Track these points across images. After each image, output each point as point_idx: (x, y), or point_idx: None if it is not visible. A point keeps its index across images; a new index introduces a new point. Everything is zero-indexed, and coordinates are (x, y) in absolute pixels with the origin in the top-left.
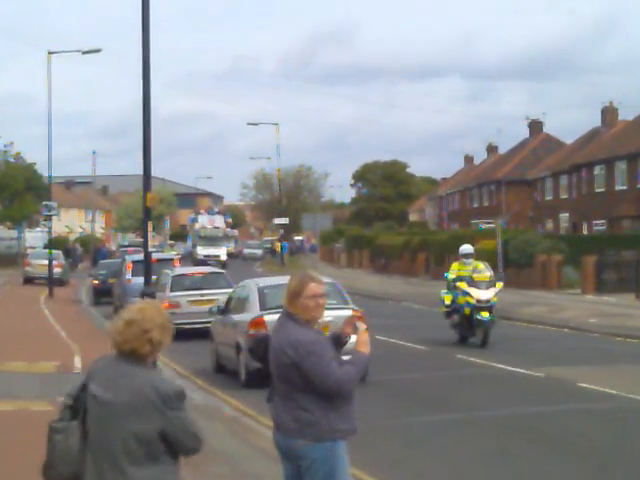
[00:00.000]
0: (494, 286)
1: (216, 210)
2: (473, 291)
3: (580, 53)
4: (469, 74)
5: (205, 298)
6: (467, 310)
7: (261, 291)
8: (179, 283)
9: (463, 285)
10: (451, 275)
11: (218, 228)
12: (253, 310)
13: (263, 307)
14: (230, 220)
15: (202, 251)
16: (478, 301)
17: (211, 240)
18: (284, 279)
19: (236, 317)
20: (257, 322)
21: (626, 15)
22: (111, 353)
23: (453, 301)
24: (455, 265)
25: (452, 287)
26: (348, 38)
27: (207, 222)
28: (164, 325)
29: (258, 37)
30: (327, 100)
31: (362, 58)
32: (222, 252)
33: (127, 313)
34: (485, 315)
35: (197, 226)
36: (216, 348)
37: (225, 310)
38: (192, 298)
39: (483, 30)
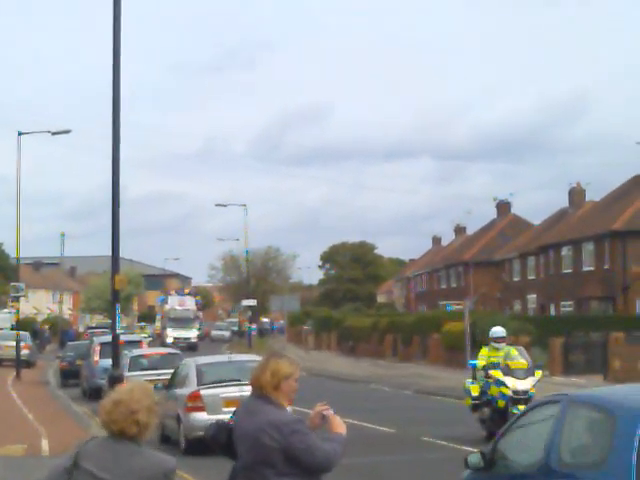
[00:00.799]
0: (533, 375)
1: (186, 292)
2: (509, 380)
3: (549, 134)
4: (439, 155)
5: (161, 378)
6: (501, 402)
7: (199, 368)
8: (137, 363)
9: (497, 373)
10: (480, 362)
11: (188, 310)
12: (191, 385)
13: (200, 382)
14: (199, 303)
15: (172, 333)
16: (515, 392)
17: (181, 322)
18: (220, 357)
19: (178, 392)
20: (194, 396)
21: (595, 96)
22: (101, 435)
23: (483, 392)
24: (485, 351)
25: (482, 376)
26: (319, 120)
27: (177, 303)
28: (150, 407)
29: (228, 119)
30: (297, 181)
31: (333, 139)
32: (193, 334)
33: (116, 393)
34: (522, 408)
35: (167, 307)
36: (162, 421)
37: (169, 386)
38: (148, 378)
39: (453, 111)
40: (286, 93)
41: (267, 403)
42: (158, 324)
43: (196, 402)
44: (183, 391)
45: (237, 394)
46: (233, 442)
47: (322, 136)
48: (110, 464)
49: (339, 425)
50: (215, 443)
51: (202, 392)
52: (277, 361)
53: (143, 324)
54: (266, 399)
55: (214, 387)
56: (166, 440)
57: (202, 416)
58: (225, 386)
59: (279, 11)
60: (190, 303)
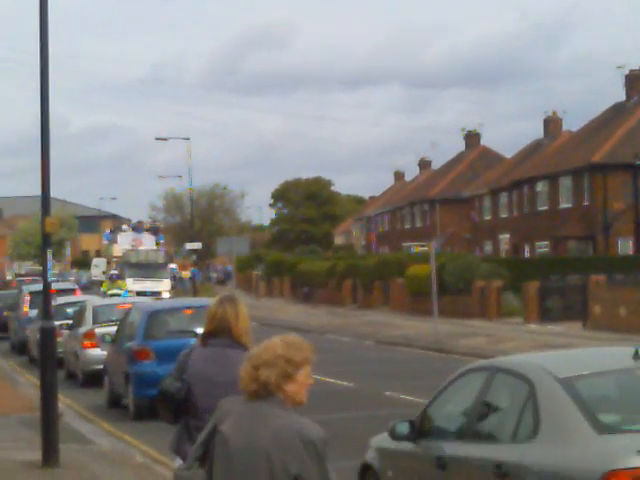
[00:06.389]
0: None
1: (146, 227)
2: None
3: (528, 60)
4: (409, 83)
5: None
6: None
7: (95, 310)
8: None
9: None
10: None
11: (157, 252)
12: (87, 324)
13: (95, 322)
14: (162, 241)
15: (133, 285)
16: None
17: (147, 269)
18: (114, 300)
19: (78, 330)
20: (89, 334)
21: (578, 19)
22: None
23: None
24: None
25: None
26: (277, 45)
27: (132, 242)
28: (271, 362)
29: (177, 43)
30: (251, 113)
31: (292, 66)
32: (164, 287)
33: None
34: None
35: (116, 248)
36: (65, 357)
37: (73, 326)
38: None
39: (426, 35)
40: (241, 15)
41: (244, 350)
42: (95, 271)
43: (91, 339)
44: (81, 330)
45: None
46: (188, 399)
47: (280, 63)
48: (247, 427)
49: None
50: (173, 398)
51: (96, 330)
52: (242, 305)
53: (115, 275)
54: (243, 347)
55: (107, 326)
56: (71, 376)
57: (96, 352)
58: (116, 325)
59: None
60: (150, 242)
